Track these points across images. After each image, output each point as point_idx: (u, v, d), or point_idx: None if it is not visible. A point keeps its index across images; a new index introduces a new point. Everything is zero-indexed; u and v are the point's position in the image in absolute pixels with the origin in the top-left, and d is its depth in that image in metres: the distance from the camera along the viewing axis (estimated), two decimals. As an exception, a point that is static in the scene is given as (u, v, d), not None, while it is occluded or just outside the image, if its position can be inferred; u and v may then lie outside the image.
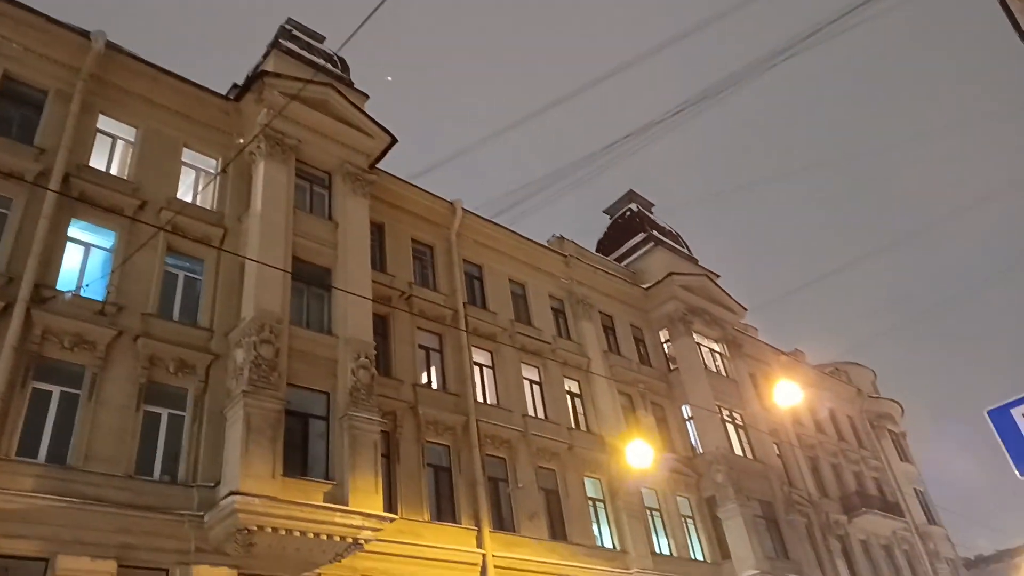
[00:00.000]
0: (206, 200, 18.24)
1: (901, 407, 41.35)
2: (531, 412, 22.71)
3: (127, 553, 13.11)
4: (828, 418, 36.52)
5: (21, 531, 12.25)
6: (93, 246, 15.91)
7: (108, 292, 15.22)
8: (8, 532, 12.14)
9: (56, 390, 13.95)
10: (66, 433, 13.66)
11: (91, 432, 13.75)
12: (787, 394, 20.11)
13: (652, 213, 36.43)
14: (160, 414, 15.01)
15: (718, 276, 33.32)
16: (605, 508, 22.90)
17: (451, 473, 19.56)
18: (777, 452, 30.13)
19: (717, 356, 29.89)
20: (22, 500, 12.38)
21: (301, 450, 15.60)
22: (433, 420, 19.67)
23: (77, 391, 14.12)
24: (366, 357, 17.12)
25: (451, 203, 23.99)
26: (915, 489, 38.04)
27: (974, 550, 70.94)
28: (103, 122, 17.21)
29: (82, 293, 14.93)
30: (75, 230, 15.73)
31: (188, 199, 17.86)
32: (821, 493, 31.82)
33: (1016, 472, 5.98)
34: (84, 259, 15.70)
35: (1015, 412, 6.11)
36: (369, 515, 15.28)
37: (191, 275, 17.02)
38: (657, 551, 23.06)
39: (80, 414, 13.90)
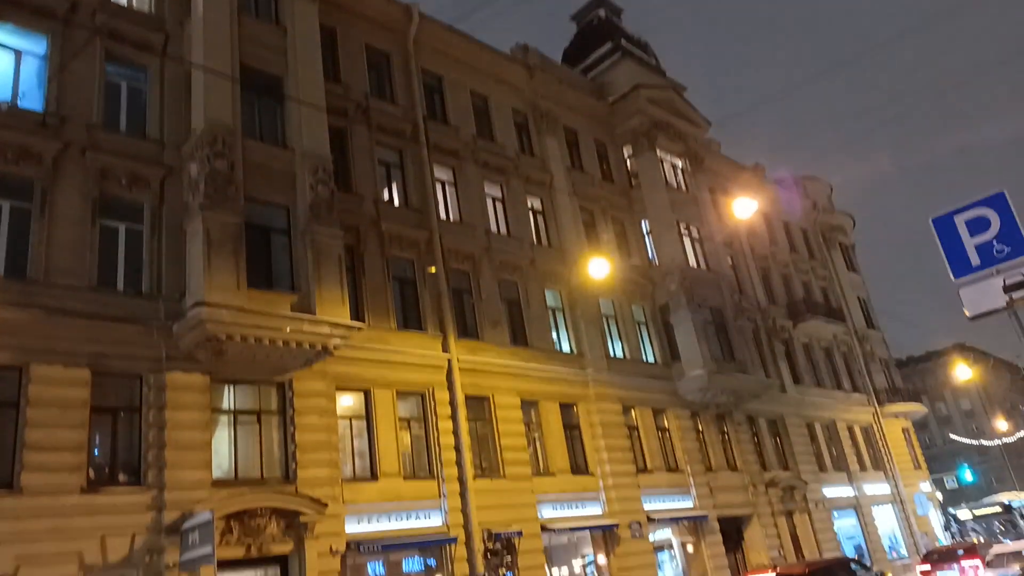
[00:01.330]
0: (143, 3, 16.99)
1: (853, 220, 42.66)
2: (494, 229, 22.97)
3: (100, 361, 13.54)
4: (782, 231, 37.64)
5: (-9, 341, 12.51)
6: (25, 52, 14.93)
7: (47, 102, 14.51)
8: (-22, 343, 12.39)
9: (5, 204, 13.68)
10: (22, 247, 13.57)
11: (48, 246, 13.68)
12: (743, 208, 20.56)
13: (621, 20, 34.91)
14: (117, 228, 14.91)
15: (684, 89, 32.70)
16: (564, 316, 23.93)
17: (416, 285, 20.06)
18: (730, 263, 31.29)
19: (678, 171, 30.05)
20: (-13, 312, 12.52)
21: (265, 264, 15.76)
22: (396, 235, 19.84)
23: (28, 204, 13.86)
24: (324, 172, 16.87)
25: (407, 6, 22.65)
26: (858, 297, 40.21)
27: (906, 351, 76.67)
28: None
29: (20, 104, 14.23)
30: (2, 34, 14.67)
31: (123, 2, 16.60)
32: (770, 301, 33.50)
33: (951, 276, 6.30)
34: (16, 67, 14.78)
35: (958, 219, 6.35)
36: (337, 324, 15.79)
37: (135, 84, 16.22)
38: (612, 355, 24.47)
39: (34, 228, 13.74)
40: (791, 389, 31.70)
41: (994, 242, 6.00)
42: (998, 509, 29.47)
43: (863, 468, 34.10)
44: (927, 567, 23.56)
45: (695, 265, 27.93)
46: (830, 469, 31.92)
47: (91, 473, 13.07)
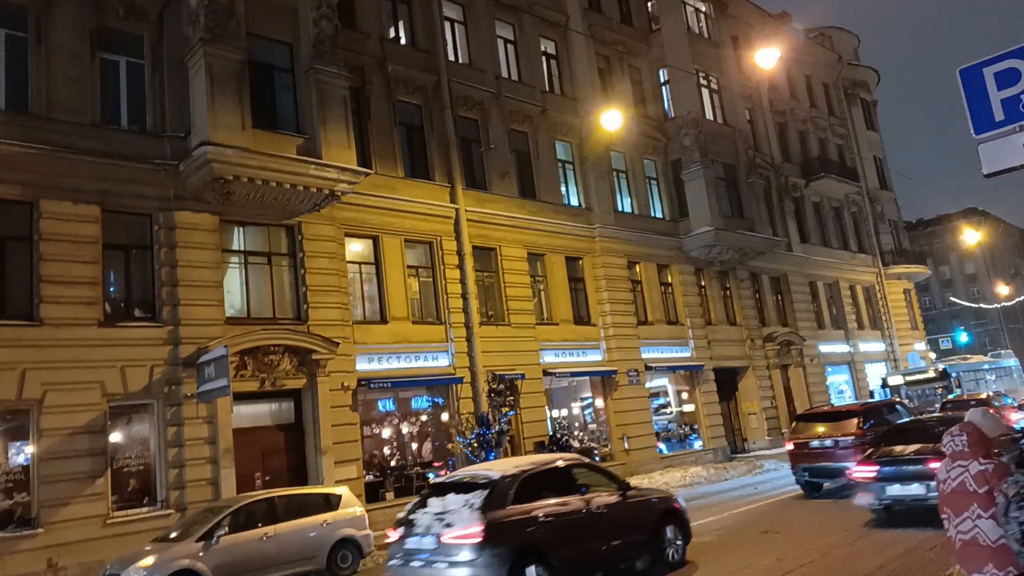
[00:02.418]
0: None
1: (878, 75, 40.96)
2: (504, 73, 22.18)
3: (109, 199, 13.59)
4: (804, 84, 36.28)
5: (0, 176, 12.49)
6: None
7: (32, -78, 13.63)
8: (-13, 177, 12.39)
9: (1, 32, 13.21)
10: (22, 81, 13.26)
11: (47, 80, 13.36)
12: (766, 58, 19.74)
13: None
14: (117, 62, 14.49)
15: (713, -75, 30.37)
16: (574, 170, 23.62)
17: (423, 132, 19.67)
18: (748, 117, 30.43)
19: (701, 17, 28.53)
20: (-8, 146, 12.43)
21: (269, 104, 15.44)
22: (403, 78, 19.21)
23: (24, 34, 13.39)
24: (327, 7, 16.11)
25: None
26: (875, 156, 39.34)
27: (918, 214, 76.07)
28: None
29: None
30: None
31: None
32: (784, 158, 32.88)
33: (972, 132, 6.08)
34: None
35: (987, 71, 6.03)
36: (344, 168, 15.67)
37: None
38: (620, 209, 24.38)
39: (32, 61, 13.36)
40: (797, 248, 31.78)
41: (1021, 96, 5.75)
42: (933, 375, 27.72)
43: (861, 327, 34.83)
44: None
45: (712, 118, 27.17)
46: (828, 327, 32.62)
47: (107, 308, 13.46)
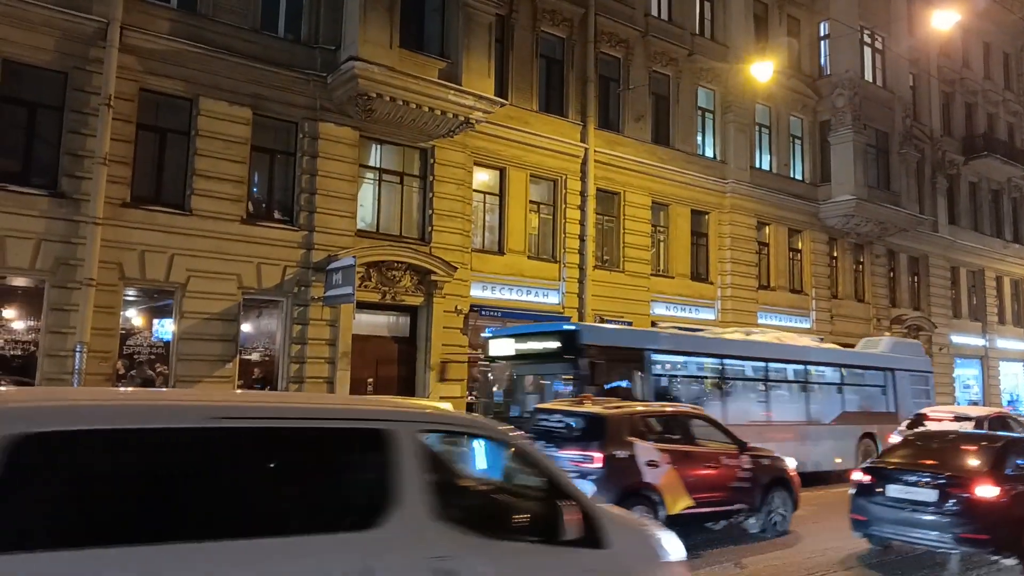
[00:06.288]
0: None
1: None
2: (654, 12, 21.38)
3: (260, 103, 14.25)
4: (980, 52, 33.02)
5: (166, 71, 13.32)
6: None
7: None
8: (155, 71, 13.23)
9: (178, -67, 13.89)
10: (193, -19, 13.93)
11: (217, -20, 13.98)
12: (943, 20, 18.06)
13: None
14: (280, -31, 14.95)
15: None
16: (714, 119, 22.72)
17: (563, 67, 19.37)
18: (911, 83, 28.13)
19: (875, -33, 26.32)
20: (162, 42, 13.22)
21: (417, 25, 15.59)
22: (550, 9, 18.88)
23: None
24: (483, -71, 15.94)
25: None
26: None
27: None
28: None
29: None
30: None
31: None
32: (945, 131, 30.31)
33: None
34: None
35: None
36: (481, 96, 15.74)
37: None
38: (756, 166, 23.35)
39: (203, -38, 13.98)
40: (943, 229, 29.55)
41: None
42: None
43: (1002, 322, 32.28)
44: None
45: (870, 80, 25.31)
46: (964, 317, 30.44)
47: (250, 207, 14.28)
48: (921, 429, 11.68)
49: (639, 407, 9.27)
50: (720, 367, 13.75)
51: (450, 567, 3.22)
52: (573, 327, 11.73)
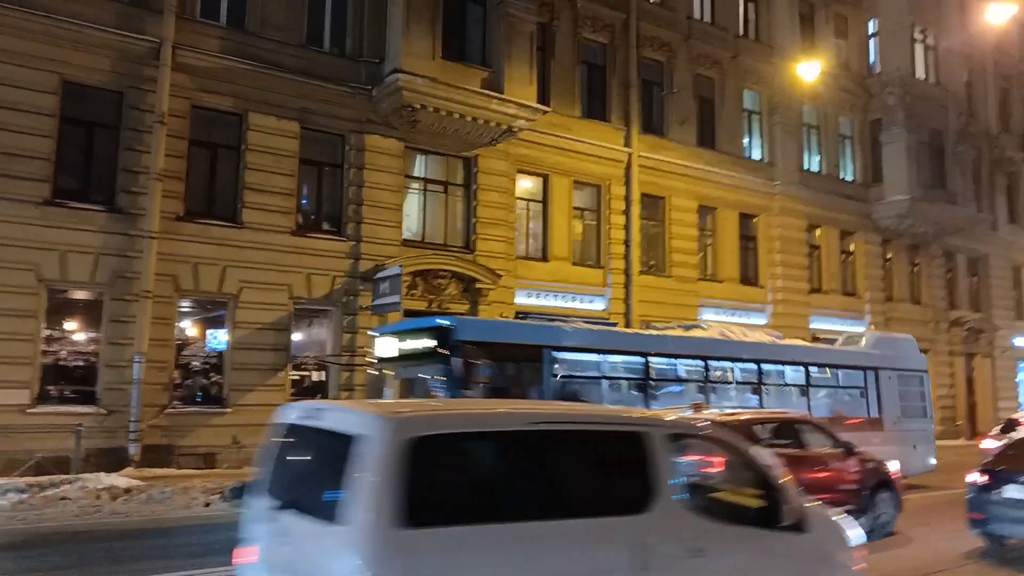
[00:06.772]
0: None
1: None
2: (697, 15, 21.19)
3: (308, 117, 14.55)
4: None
5: (217, 88, 13.70)
6: None
7: None
8: (206, 88, 13.61)
9: (226, -47, 14.30)
10: (241, -1, 14.32)
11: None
12: (997, 14, 17.49)
13: None
14: (325, -15, 15.26)
15: None
16: (760, 121, 22.38)
17: (605, 72, 19.32)
18: (965, 79, 27.31)
19: (925, -38, 25.67)
20: (212, 60, 13.59)
21: (459, 35, 15.74)
22: (591, 15, 18.86)
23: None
24: (523, -60, 16.04)
25: None
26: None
27: None
28: None
29: None
30: None
31: None
32: (1002, 128, 29.28)
33: None
34: None
35: None
36: (524, 105, 15.80)
37: None
38: (805, 167, 22.91)
39: (251, -20, 14.34)
40: (1004, 228, 28.53)
41: None
42: None
43: (1068, 323, 30.99)
44: None
45: (922, 77, 24.65)
46: (1028, 318, 29.33)
47: (299, 219, 14.58)
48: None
49: (750, 414, 9.31)
50: (644, 366, 11.70)
51: (700, 544, 3.99)
52: (447, 321, 10.15)
